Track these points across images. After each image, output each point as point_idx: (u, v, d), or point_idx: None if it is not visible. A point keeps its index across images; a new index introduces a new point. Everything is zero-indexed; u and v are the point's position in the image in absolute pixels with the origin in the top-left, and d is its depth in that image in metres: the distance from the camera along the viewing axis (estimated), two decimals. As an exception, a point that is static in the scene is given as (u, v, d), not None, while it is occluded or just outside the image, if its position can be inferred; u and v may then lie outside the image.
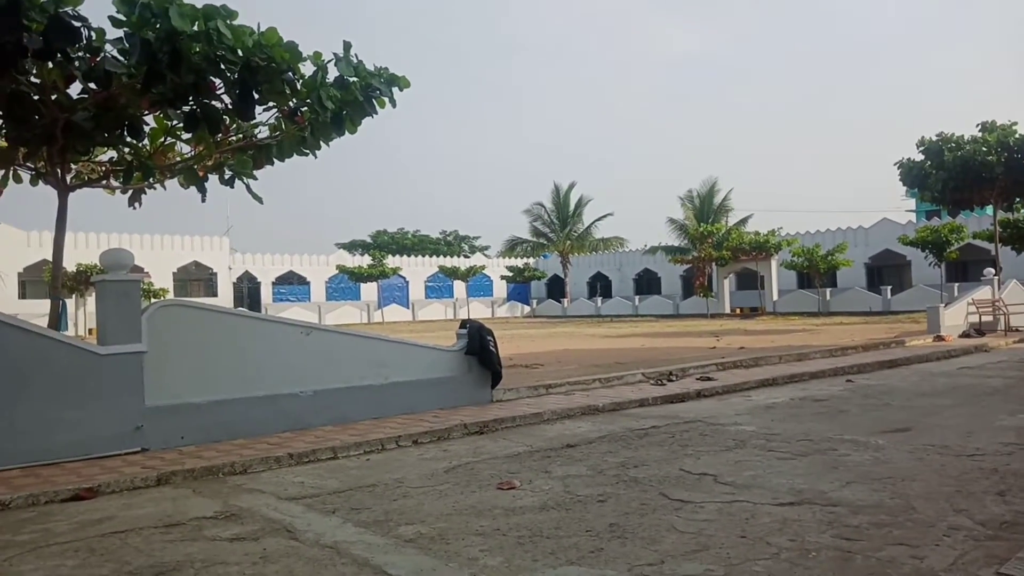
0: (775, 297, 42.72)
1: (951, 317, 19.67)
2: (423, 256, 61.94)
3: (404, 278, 55.70)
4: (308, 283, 53.05)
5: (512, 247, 59.09)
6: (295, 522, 4.89)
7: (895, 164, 24.19)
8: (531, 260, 60.73)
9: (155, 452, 6.88)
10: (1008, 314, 20.40)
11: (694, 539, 4.23)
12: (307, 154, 9.15)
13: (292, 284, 52.44)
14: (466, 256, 69.30)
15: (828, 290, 41.35)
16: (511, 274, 56.56)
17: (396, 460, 6.73)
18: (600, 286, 58.75)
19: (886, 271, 44.78)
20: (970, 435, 6.95)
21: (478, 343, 9.09)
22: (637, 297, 51.68)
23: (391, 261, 53.03)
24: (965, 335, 19.04)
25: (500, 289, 60.36)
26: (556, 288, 59.27)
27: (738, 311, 43.72)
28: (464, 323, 9.55)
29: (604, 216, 56.78)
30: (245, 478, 6.21)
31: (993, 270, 22.02)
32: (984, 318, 20.21)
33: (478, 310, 53.61)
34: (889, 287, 39.90)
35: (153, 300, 26.12)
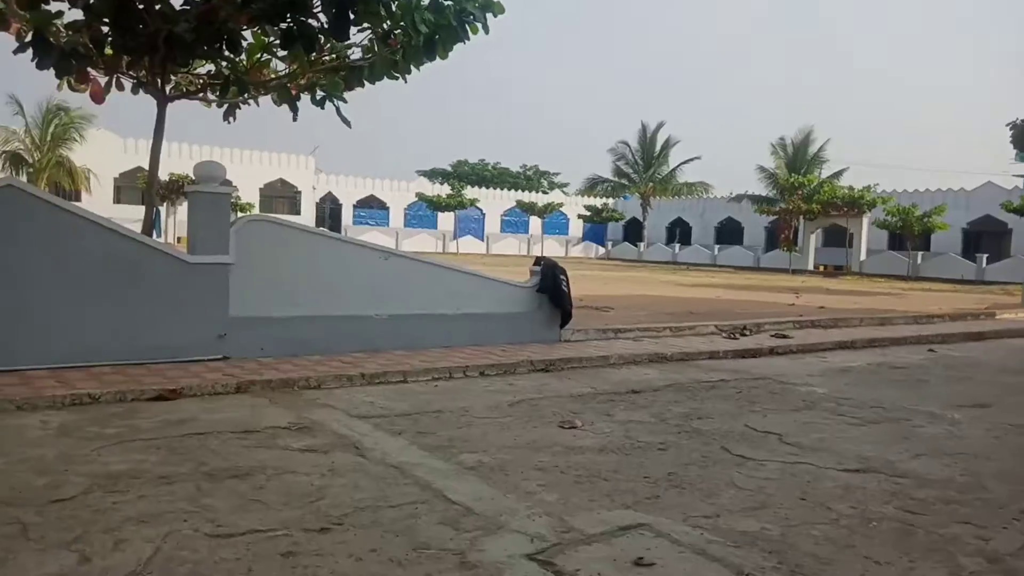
0: (863, 257, 41.17)
1: (1051, 293, 18.62)
2: (501, 189, 61.90)
3: (481, 210, 55.92)
4: (387, 208, 53.87)
5: (592, 186, 58.34)
6: (363, 440, 5.09)
7: (1007, 125, 22.60)
8: (610, 200, 59.96)
9: (236, 361, 7.21)
10: (1116, 294, 19.17)
11: (753, 496, 4.22)
12: (397, 78, 9.15)
13: (372, 208, 53.36)
14: (544, 192, 68.98)
15: (920, 253, 39.57)
16: (589, 213, 56.05)
17: (463, 389, 6.89)
18: (679, 232, 57.72)
19: (985, 238, 42.49)
20: (1056, 418, 6.66)
21: (551, 281, 9.11)
22: (717, 246, 50.62)
23: (469, 192, 53.30)
24: (1064, 313, 18.02)
25: (576, 228, 60.02)
26: (634, 231, 58.53)
27: (822, 268, 42.37)
28: (538, 260, 9.57)
29: (691, 159, 55.30)
30: (319, 393, 6.47)
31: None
32: (1088, 296, 19.06)
33: (552, 248, 53.56)
34: (986, 255, 37.86)
35: (241, 214, 27.02)
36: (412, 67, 8.94)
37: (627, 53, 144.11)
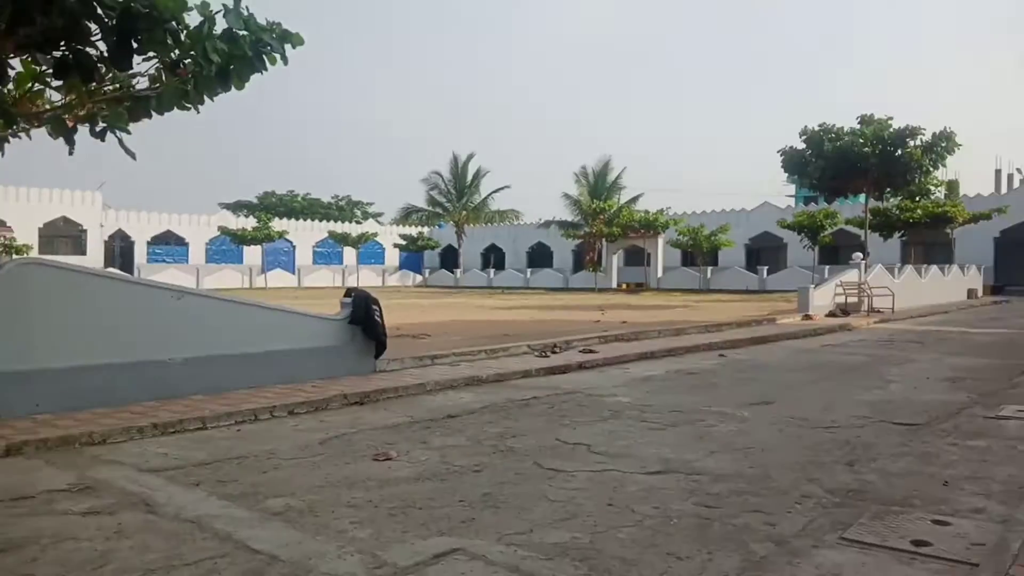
0: (660, 274, 44.14)
1: (820, 297, 20.85)
2: (312, 220, 60.34)
3: (291, 242, 54.15)
4: (187, 244, 50.77)
5: (407, 215, 58.41)
6: (155, 495, 4.66)
7: (778, 151, 25.29)
8: (425, 229, 60.29)
9: (5, 421, 6.41)
10: (872, 296, 21.81)
11: (564, 507, 4.31)
12: (189, 108, 8.62)
13: (169, 244, 50.07)
14: (358, 222, 68.10)
15: (709, 268, 43.07)
16: (404, 242, 55.99)
17: (269, 431, 6.54)
18: (494, 257, 59.03)
19: (764, 252, 47.05)
20: (827, 408, 7.39)
21: (363, 312, 8.92)
22: (529, 270, 52.26)
23: (277, 224, 51.41)
24: (831, 315, 20.24)
25: (392, 257, 59.71)
26: (450, 258, 59.14)
27: (625, 286, 44.91)
28: (349, 291, 9.35)
29: (501, 188, 57.00)
30: (104, 449, 5.87)
31: (861, 255, 23.46)
32: (850, 299, 21.53)
33: (368, 278, 52.90)
34: (766, 267, 41.95)
35: (14, 257, 24.34)
36: (205, 97, 8.48)
37: (438, 85, 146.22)
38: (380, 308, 9.19)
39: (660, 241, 43.73)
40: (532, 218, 58.36)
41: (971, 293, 31.92)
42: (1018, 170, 55.68)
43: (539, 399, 7.92)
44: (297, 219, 59.33)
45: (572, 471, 5.07)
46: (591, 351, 11.57)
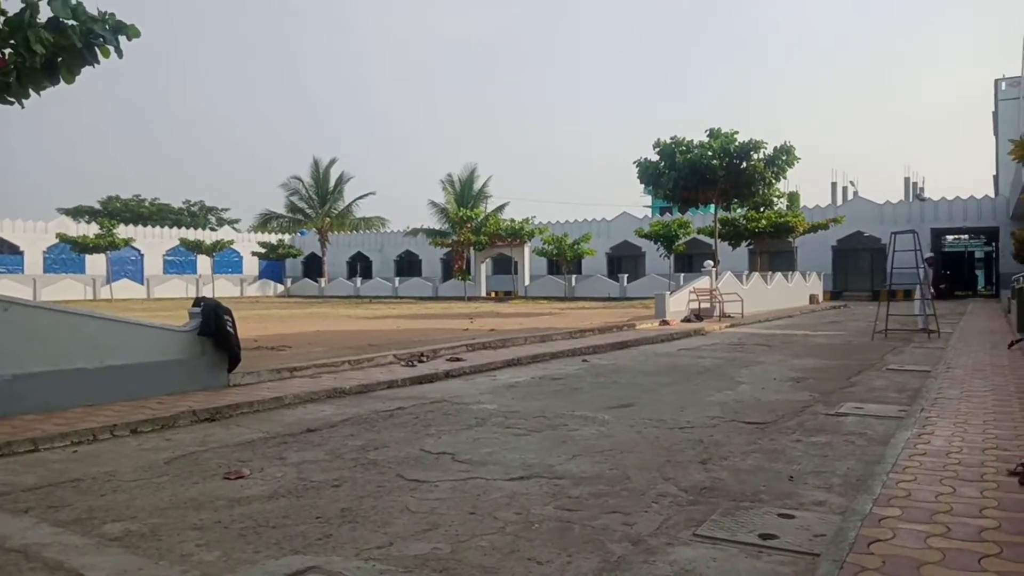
0: (527, 282, 44.80)
1: (675, 304, 21.79)
2: (162, 227, 57.12)
3: (138, 250, 50.97)
4: (21, 252, 46.74)
5: (266, 222, 56.20)
6: (-29, 526, 4.19)
7: (634, 163, 26.21)
8: (287, 236, 58.39)
9: None
10: (723, 302, 23.02)
11: (425, 518, 4.21)
12: (13, 103, 7.91)
13: (2, 253, 45.94)
14: (213, 229, 65.06)
15: (574, 276, 44.15)
16: (264, 250, 53.93)
17: (109, 452, 6.05)
18: (360, 266, 58.00)
19: (624, 260, 48.79)
20: (683, 409, 7.68)
21: (213, 323, 8.46)
22: (397, 278, 51.66)
23: (123, 231, 48.23)
24: (687, 320, 21.19)
25: (251, 266, 57.42)
26: (313, 267, 57.58)
27: (493, 294, 45.35)
28: (198, 301, 8.84)
29: (366, 195, 56.19)
30: (-89, 478, 5.24)
31: (712, 262, 24.72)
32: (703, 305, 22.63)
33: (225, 288, 50.62)
34: (626, 275, 43.48)
35: None
36: (32, 91, 7.79)
37: (299, 87, 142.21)
38: (233, 318, 8.75)
39: (526, 250, 44.40)
40: (400, 225, 57.80)
41: (812, 298, 34.34)
42: (851, 183, 60.61)
43: (404, 409, 7.77)
44: (145, 225, 56.01)
45: (435, 481, 4.98)
46: (458, 359, 11.52)
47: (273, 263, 57.36)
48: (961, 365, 10.48)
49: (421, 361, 11.27)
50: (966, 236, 48.80)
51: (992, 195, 42.84)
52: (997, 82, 48.79)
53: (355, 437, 6.45)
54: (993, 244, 43.46)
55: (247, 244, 57.18)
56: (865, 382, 9.66)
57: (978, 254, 53.76)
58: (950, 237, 47.64)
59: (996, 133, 48.93)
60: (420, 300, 42.22)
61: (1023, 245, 28.62)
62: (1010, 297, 20.17)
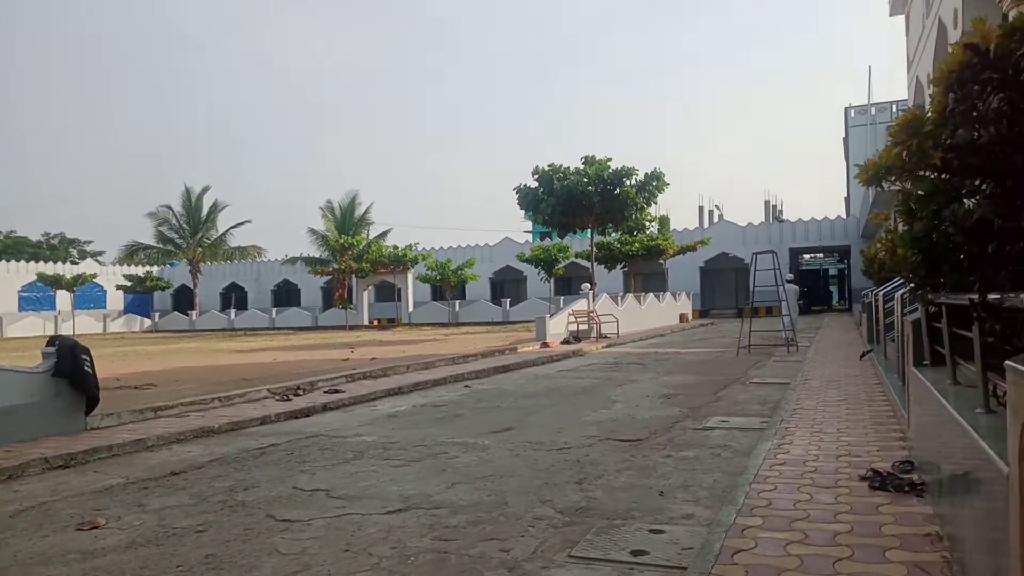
0: (411, 309, 44.44)
1: (555, 326, 22.16)
2: (17, 261, 53.12)
3: (-11, 287, 47.21)
4: None
5: (132, 253, 53.11)
6: None
7: (514, 189, 26.63)
8: (155, 268, 55.50)
9: None
10: (600, 323, 23.59)
11: (296, 559, 4.06)
12: None
13: None
14: (74, 262, 61.06)
15: (458, 302, 44.16)
16: (130, 283, 51.02)
17: (-56, 508, 5.51)
18: (235, 298, 55.86)
19: (507, 285, 49.30)
20: (561, 430, 7.78)
21: (69, 363, 7.90)
22: (275, 309, 50.08)
23: (-28, 267, 44.59)
24: (566, 341, 21.58)
25: (116, 300, 54.25)
26: (184, 299, 55.02)
27: (376, 322, 44.67)
28: (52, 340, 8.25)
29: (241, 223, 54.07)
30: None
31: (589, 285, 25.33)
32: (581, 327, 23.11)
33: (87, 324, 47.52)
34: (509, 299, 43.91)
35: None
36: None
37: (168, 113, 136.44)
38: (91, 357, 8.21)
39: (410, 276, 44.09)
40: (277, 254, 56.11)
41: (683, 317, 35.77)
42: (717, 207, 63.73)
43: (277, 446, 7.49)
44: (-2, 260, 51.97)
45: (308, 520, 4.81)
46: (337, 391, 11.24)
47: (140, 296, 54.36)
48: (817, 376, 11.16)
49: (297, 394, 10.92)
50: (821, 254, 52.25)
51: (844, 216, 46.13)
52: (847, 109, 52.78)
53: (223, 478, 6.16)
54: (845, 262, 46.74)
55: (112, 277, 54.01)
56: (730, 396, 10.11)
57: (832, 271, 57.66)
58: (807, 256, 50.85)
59: (847, 157, 52.85)
60: (299, 331, 41.03)
61: (871, 262, 30.86)
62: (861, 311, 21.70)
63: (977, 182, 3.49)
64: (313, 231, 49.07)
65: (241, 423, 8.73)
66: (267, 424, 8.91)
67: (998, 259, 2.82)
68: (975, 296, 3.13)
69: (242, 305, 54.43)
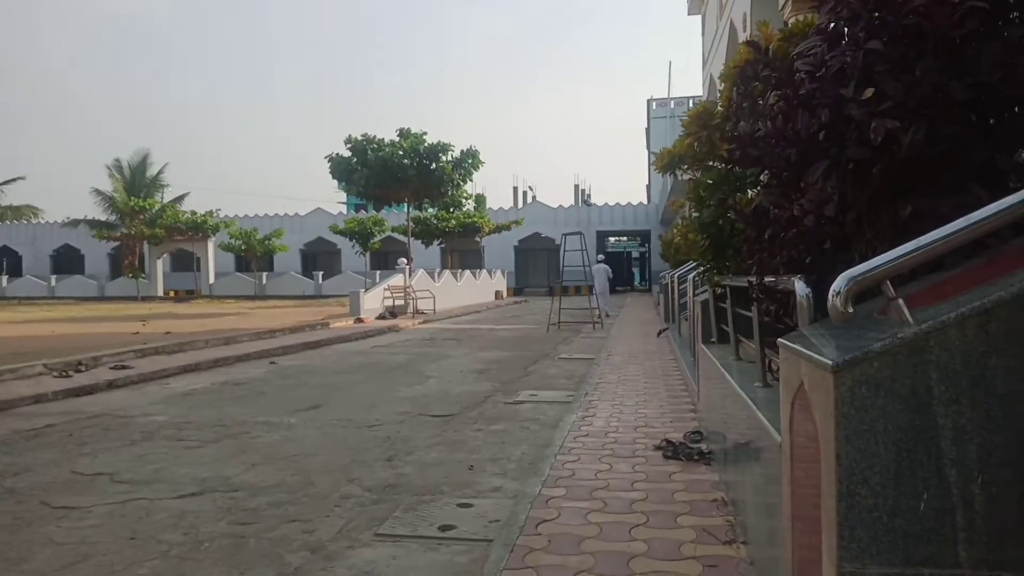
0: (212, 280, 41.98)
1: (370, 301, 21.82)
2: None
3: None
4: None
5: None
6: None
7: (326, 157, 25.76)
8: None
9: None
10: (416, 299, 23.53)
11: (74, 549, 3.68)
12: None
13: None
14: None
15: (265, 274, 42.29)
16: None
17: None
18: (7, 262, 49.96)
19: (320, 257, 47.82)
20: (373, 407, 7.66)
21: None
22: (54, 276, 45.39)
23: None
24: (381, 317, 21.32)
25: None
26: (-58, 263, 48.45)
27: (173, 293, 41.76)
28: None
29: (14, 180, 48.41)
30: None
31: (406, 260, 25.14)
32: (397, 302, 22.93)
33: None
34: (322, 273, 42.64)
35: None
36: None
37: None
38: None
39: (211, 245, 41.55)
40: (57, 216, 50.75)
41: (498, 294, 36.54)
42: (530, 188, 65.53)
43: (54, 427, 6.78)
44: None
45: (89, 506, 4.39)
46: (125, 367, 10.36)
47: None
48: (619, 352, 11.80)
49: (79, 371, 9.96)
50: (625, 238, 55.28)
51: (646, 202, 49.02)
52: (649, 102, 55.91)
53: (-13, 463, 5.48)
54: (646, 245, 49.75)
55: None
56: (540, 371, 10.44)
57: (635, 254, 61.24)
58: (612, 239, 53.62)
59: (648, 147, 56.08)
60: (83, 301, 37.49)
61: (668, 246, 33.13)
62: (659, 292, 23.22)
63: (757, 173, 3.78)
64: (99, 192, 44.76)
65: (11, 402, 7.84)
66: (42, 403, 8.05)
67: (773, 245, 3.06)
68: (753, 279, 3.38)
69: (15, 271, 48.84)
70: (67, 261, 50.23)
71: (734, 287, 4.35)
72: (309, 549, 3.67)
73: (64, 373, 9.69)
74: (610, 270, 23.15)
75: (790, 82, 2.71)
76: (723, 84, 3.97)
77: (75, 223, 45.89)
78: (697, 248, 4.69)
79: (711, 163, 4.66)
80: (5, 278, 45.25)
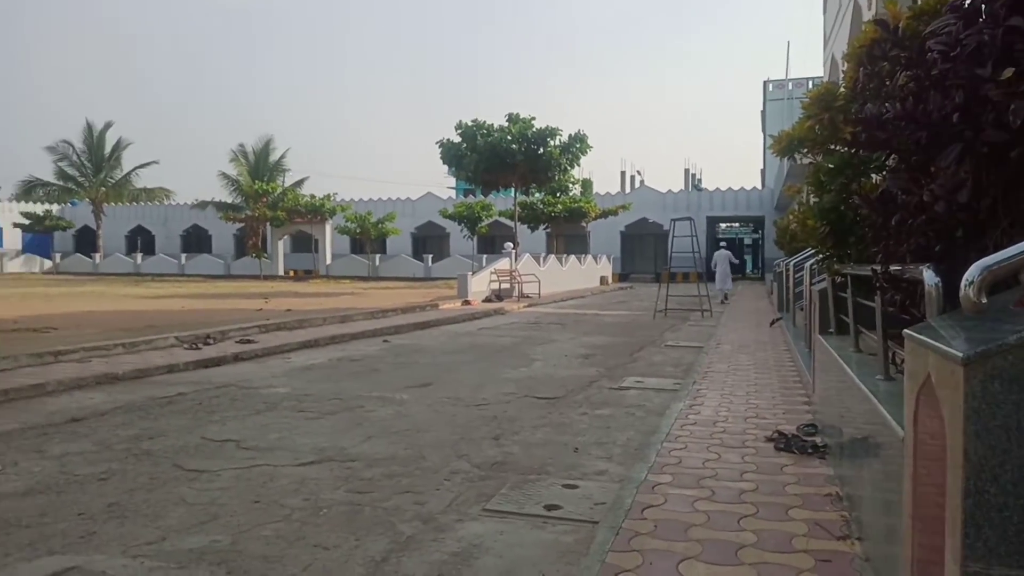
0: (328, 261, 43.63)
1: (477, 284, 22.17)
2: None
3: None
4: None
5: (30, 190, 50.11)
6: None
7: (437, 143, 26.25)
8: (55, 207, 52.61)
9: None
10: (522, 283, 23.73)
11: (204, 510, 3.96)
12: None
13: None
14: (-37, 197, 57.29)
15: (378, 256, 43.60)
16: (28, 222, 48.32)
17: None
18: (141, 241, 53.61)
19: (429, 240, 48.88)
20: (480, 387, 7.82)
21: (-42, 301, 7.43)
22: (184, 255, 48.33)
23: None
24: (488, 300, 21.64)
25: (13, 239, 51.29)
26: (87, 241, 52.45)
27: (292, 273, 43.69)
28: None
29: (148, 164, 51.69)
30: None
31: (512, 244, 25.37)
32: (503, 285, 23.20)
33: (-19, 263, 44.89)
34: (431, 255, 43.58)
35: None
36: None
37: (66, 45, 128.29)
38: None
39: (328, 227, 43.18)
40: (187, 198, 53.89)
41: (603, 280, 36.34)
42: (638, 172, 64.65)
43: (185, 395, 7.28)
44: None
45: (217, 470, 4.70)
46: (250, 341, 10.97)
47: (39, 236, 51.57)
48: (729, 341, 11.54)
49: (207, 343, 10.61)
50: (737, 224, 53.78)
51: (760, 187, 47.49)
52: (765, 83, 54.06)
53: (128, 426, 5.95)
54: (759, 232, 48.24)
55: (8, 215, 50.95)
56: (646, 357, 10.36)
57: (747, 240, 59.50)
58: (723, 224, 52.26)
59: (764, 130, 54.27)
60: (210, 279, 39.77)
61: (784, 233, 32.00)
62: (772, 280, 22.51)
63: (883, 157, 3.62)
64: (225, 175, 47.18)
65: (147, 371, 8.44)
66: (175, 372, 8.63)
67: (900, 232, 2.93)
68: (878, 267, 3.25)
69: (149, 249, 52.32)
70: (196, 241, 53.37)
71: (855, 276, 4.19)
72: (420, 520, 3.81)
73: (194, 345, 10.35)
74: (732, 256, 23.52)
75: (921, 62, 2.59)
76: (847, 64, 3.80)
77: (203, 205, 48.63)
78: (816, 235, 4.54)
79: (833, 147, 4.48)
80: (140, 256, 48.53)
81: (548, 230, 39.17)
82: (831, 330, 5.46)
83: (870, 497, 3.08)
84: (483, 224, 37.73)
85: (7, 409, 6.60)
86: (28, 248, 51.75)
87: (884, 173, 3.82)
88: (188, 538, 3.56)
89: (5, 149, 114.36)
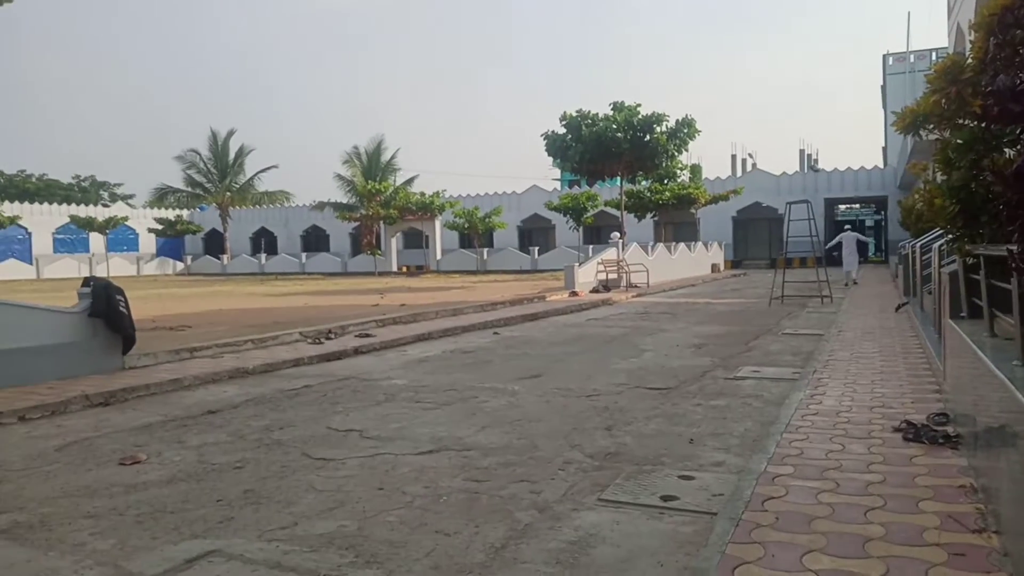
0: (439, 256, 44.57)
1: (584, 275, 22.11)
2: (50, 203, 53.83)
3: (25, 229, 48.07)
4: None
5: (162, 197, 53.68)
6: None
7: (542, 135, 26.28)
8: (185, 212, 56.10)
9: None
10: (629, 272, 23.50)
11: (332, 496, 4.16)
12: None
13: None
14: (105, 205, 61.87)
15: (486, 250, 44.19)
16: (161, 227, 51.75)
17: (-7, 441, 5.72)
18: (265, 242, 56.42)
19: (535, 233, 49.12)
20: (590, 378, 7.82)
21: (104, 304, 8.05)
22: (304, 254, 50.52)
23: (8, 208, 45.40)
24: (595, 291, 21.55)
25: (148, 244, 55.02)
26: (215, 243, 55.63)
27: (405, 269, 44.93)
28: (87, 281, 8.40)
29: (268, 168, 54.72)
30: None
31: (619, 234, 25.14)
32: (610, 276, 23.05)
33: (121, 267, 48.45)
34: (537, 247, 43.81)
35: None
36: None
37: (192, 56, 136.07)
38: (125, 298, 8.36)
39: (437, 223, 44.10)
40: (305, 200, 56.37)
41: (714, 267, 35.49)
42: (750, 155, 62.68)
43: (311, 388, 7.63)
44: (32, 202, 52.73)
45: (342, 459, 4.92)
46: (368, 335, 11.37)
47: (171, 240, 55.12)
48: (852, 328, 11.06)
49: (329, 338, 11.07)
50: (857, 205, 51.34)
51: (881, 166, 45.12)
52: (885, 57, 51.22)
53: (259, 417, 6.30)
54: (882, 213, 45.91)
55: (143, 220, 54.69)
56: (762, 346, 10.06)
57: (868, 222, 56.63)
58: (842, 206, 50.01)
59: (884, 106, 51.46)
60: (328, 276, 41.42)
61: (909, 213, 30.29)
62: (897, 263, 21.37)
63: (1018, 130, 3.38)
64: (340, 177, 49.10)
65: (274, 365, 8.90)
66: (300, 366, 9.06)
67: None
68: (1014, 247, 3.05)
69: (272, 249, 54.99)
70: (315, 240, 55.68)
71: (989, 257, 3.94)
72: (537, 508, 3.87)
73: (317, 340, 10.83)
74: (860, 236, 23.20)
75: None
76: (975, 33, 3.57)
77: (321, 206, 50.68)
78: (945, 214, 4.29)
79: (961, 121, 4.22)
80: (264, 256, 51.07)
81: (655, 218, 38.54)
82: (963, 314, 5.15)
83: (1009, 489, 2.90)
84: (589, 215, 37.53)
85: (149, 403, 7.11)
86: (162, 252, 55.41)
87: (1019, 147, 3.57)
88: (318, 523, 3.75)
89: (140, 161, 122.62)
